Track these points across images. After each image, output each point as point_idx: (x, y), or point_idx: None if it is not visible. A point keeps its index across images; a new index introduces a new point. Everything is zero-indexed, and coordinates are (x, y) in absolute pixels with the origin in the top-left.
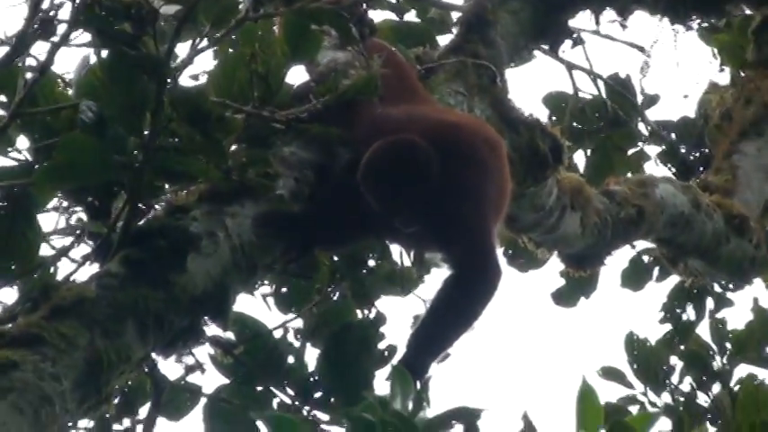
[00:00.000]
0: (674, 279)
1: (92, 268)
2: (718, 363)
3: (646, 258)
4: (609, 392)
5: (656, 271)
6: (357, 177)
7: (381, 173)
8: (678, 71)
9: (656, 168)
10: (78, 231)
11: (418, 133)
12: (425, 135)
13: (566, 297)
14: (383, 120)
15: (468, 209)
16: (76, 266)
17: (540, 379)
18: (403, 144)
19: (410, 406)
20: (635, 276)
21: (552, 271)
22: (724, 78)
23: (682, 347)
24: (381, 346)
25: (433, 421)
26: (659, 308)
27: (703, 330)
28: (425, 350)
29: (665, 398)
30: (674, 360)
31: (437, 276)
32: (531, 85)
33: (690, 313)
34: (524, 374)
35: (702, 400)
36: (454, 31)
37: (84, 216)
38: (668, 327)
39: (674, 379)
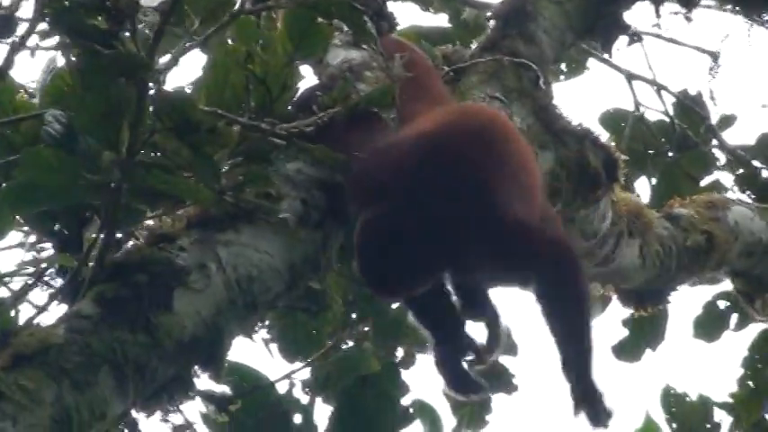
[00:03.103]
0: (755, 328)
1: (59, 309)
2: None
3: (722, 304)
4: None
5: (733, 318)
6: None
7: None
8: (751, 74)
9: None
10: (41, 266)
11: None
12: (413, 171)
13: (628, 350)
14: (375, 155)
15: (494, 223)
16: (41, 307)
17: None
18: (373, 233)
19: None
20: (709, 325)
21: (614, 319)
22: None
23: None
24: (405, 401)
25: None
26: (739, 363)
27: None
28: (580, 371)
29: None
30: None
31: None
32: (587, 100)
33: None
34: None
35: None
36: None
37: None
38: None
39: None
